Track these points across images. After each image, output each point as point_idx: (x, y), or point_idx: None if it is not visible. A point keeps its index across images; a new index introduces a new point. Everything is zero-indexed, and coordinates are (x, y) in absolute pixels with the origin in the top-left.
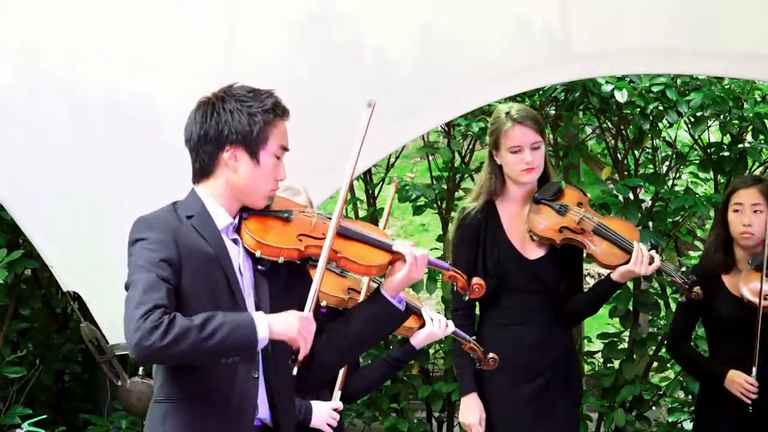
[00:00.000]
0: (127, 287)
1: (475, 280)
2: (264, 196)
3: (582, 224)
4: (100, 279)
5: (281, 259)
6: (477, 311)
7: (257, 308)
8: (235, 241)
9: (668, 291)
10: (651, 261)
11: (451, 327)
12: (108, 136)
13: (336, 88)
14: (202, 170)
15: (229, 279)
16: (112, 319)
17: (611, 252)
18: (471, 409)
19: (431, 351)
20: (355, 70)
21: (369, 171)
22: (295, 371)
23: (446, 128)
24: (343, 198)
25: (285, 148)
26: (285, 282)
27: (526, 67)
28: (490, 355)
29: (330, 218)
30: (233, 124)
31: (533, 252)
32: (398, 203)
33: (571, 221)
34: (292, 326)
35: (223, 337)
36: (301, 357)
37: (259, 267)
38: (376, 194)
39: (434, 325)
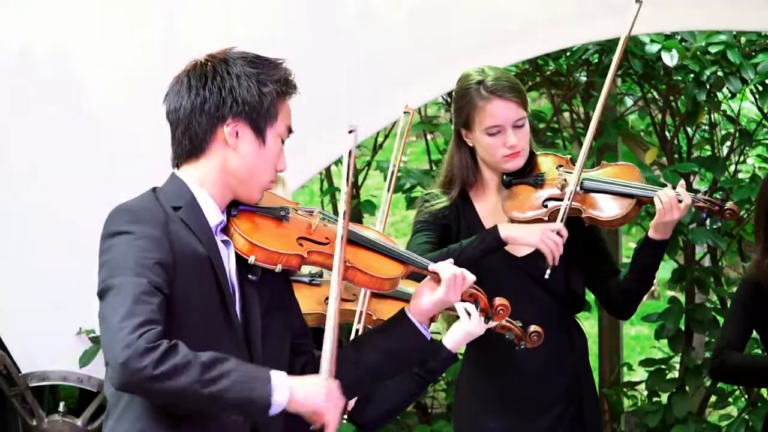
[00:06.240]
0: (103, 292)
1: (499, 300)
2: (262, 187)
3: (566, 187)
4: (11, 292)
5: (279, 268)
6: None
7: (244, 330)
8: (224, 243)
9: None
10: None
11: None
12: (19, 106)
13: (308, 47)
14: (192, 148)
15: (223, 290)
16: (26, 343)
17: (613, 204)
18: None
19: None
20: (332, 25)
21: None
22: None
23: (448, 99)
24: (346, 204)
25: (291, 131)
26: (276, 298)
27: (551, 21)
28: (532, 328)
29: (333, 219)
30: (240, 92)
31: (521, 247)
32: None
33: (552, 189)
34: (319, 396)
35: (228, 387)
36: None
37: (250, 276)
38: (359, 183)
39: (471, 321)
